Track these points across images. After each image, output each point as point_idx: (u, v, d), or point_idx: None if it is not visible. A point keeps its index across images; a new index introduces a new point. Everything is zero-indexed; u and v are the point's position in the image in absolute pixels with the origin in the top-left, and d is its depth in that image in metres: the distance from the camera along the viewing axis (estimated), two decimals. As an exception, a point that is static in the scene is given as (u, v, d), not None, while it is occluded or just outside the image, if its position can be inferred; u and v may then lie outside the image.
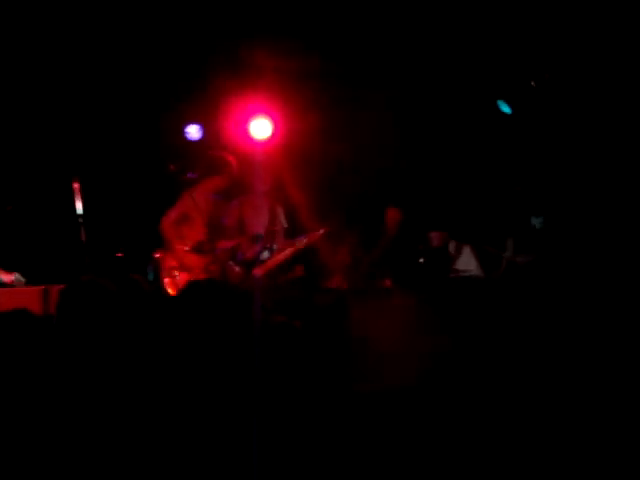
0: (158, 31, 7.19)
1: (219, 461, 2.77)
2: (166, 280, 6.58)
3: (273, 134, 7.02)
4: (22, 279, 5.94)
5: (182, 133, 7.58)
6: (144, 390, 2.88)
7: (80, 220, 6.46)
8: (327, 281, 6.85)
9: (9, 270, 5.95)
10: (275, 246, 7.03)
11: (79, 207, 6.46)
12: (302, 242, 7.02)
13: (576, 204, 7.44)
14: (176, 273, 6.55)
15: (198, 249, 6.70)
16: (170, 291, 6.54)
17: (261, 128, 7.05)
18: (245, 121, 7.09)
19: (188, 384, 2.90)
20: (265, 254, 6.96)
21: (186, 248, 6.67)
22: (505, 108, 7.46)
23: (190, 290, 3.38)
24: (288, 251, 6.92)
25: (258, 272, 6.69)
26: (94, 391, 2.85)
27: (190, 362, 3.03)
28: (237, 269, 6.84)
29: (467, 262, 7.17)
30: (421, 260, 6.99)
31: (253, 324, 3.13)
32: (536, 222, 7.46)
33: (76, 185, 6.47)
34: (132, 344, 3.09)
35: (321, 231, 7.07)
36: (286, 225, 7.24)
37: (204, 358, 2.99)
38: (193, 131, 7.59)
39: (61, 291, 3.30)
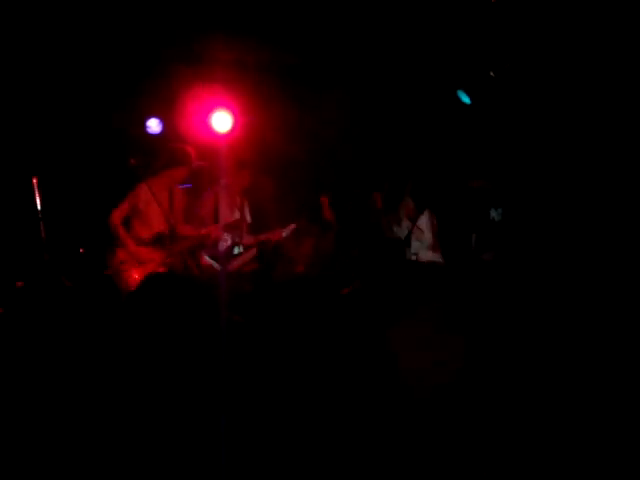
0: (116, 24, 7.12)
1: (184, 455, 2.76)
2: (117, 275, 6.50)
3: (234, 127, 7.01)
4: None
5: (143, 127, 7.53)
6: (101, 385, 2.86)
7: (39, 216, 6.40)
8: (290, 273, 6.87)
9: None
10: (244, 242, 7.05)
11: (38, 203, 6.40)
12: (269, 239, 7.07)
13: (536, 195, 7.51)
14: (127, 267, 6.47)
15: (155, 242, 6.65)
16: (122, 286, 6.47)
17: (222, 121, 7.04)
18: (206, 114, 7.07)
19: (146, 379, 2.88)
20: (236, 250, 6.99)
21: (142, 241, 6.62)
22: (465, 98, 7.51)
23: (149, 283, 3.35)
24: (255, 250, 6.96)
25: (230, 267, 6.69)
26: (51, 387, 2.82)
27: (149, 356, 3.01)
28: (208, 261, 6.83)
29: (423, 227, 7.27)
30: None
31: (216, 318, 3.12)
32: (495, 214, 7.53)
33: (35, 181, 6.41)
34: (90, 339, 3.07)
35: (290, 228, 7.11)
36: (250, 220, 7.26)
37: (162, 351, 2.97)
38: (154, 125, 7.55)
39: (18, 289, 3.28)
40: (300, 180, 7.69)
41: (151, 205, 6.64)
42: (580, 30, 6.89)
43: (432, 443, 2.90)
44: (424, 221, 7.28)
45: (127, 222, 6.62)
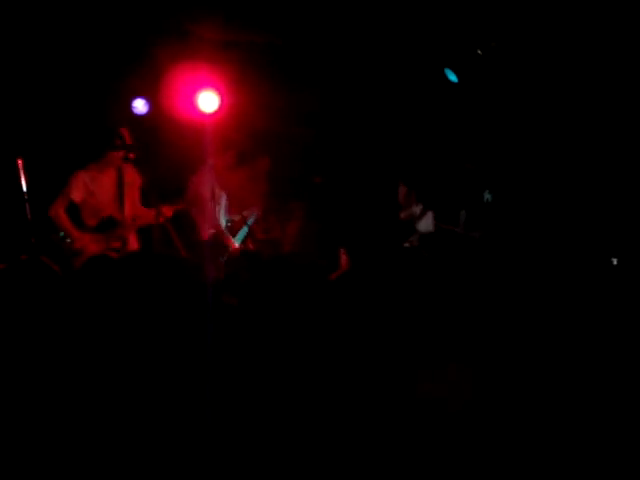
0: (101, 4, 7.06)
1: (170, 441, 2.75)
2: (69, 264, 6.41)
3: (220, 107, 6.98)
4: None
5: (129, 107, 7.48)
6: (85, 370, 2.84)
7: (25, 197, 6.36)
8: (277, 255, 6.87)
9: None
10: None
11: (24, 185, 6.36)
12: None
13: (524, 174, 7.51)
14: (76, 255, 6.39)
15: (102, 227, 6.61)
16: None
17: (209, 101, 7.01)
18: (192, 94, 7.04)
19: (132, 364, 2.87)
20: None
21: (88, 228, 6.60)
22: (452, 77, 7.49)
23: (121, 264, 3.32)
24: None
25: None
26: (33, 372, 2.81)
27: (135, 340, 2.99)
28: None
29: (427, 225, 7.32)
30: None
31: (203, 301, 3.11)
32: (489, 197, 7.56)
33: (20, 162, 6.36)
34: (74, 322, 3.05)
35: (250, 213, 7.13)
36: (227, 201, 7.25)
37: (148, 335, 2.96)
38: (140, 105, 7.50)
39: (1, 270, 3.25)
40: (287, 160, 7.66)
41: (95, 191, 6.60)
42: (568, 9, 6.86)
43: (431, 446, 2.89)
44: (427, 224, 7.31)
45: (76, 212, 6.59)
